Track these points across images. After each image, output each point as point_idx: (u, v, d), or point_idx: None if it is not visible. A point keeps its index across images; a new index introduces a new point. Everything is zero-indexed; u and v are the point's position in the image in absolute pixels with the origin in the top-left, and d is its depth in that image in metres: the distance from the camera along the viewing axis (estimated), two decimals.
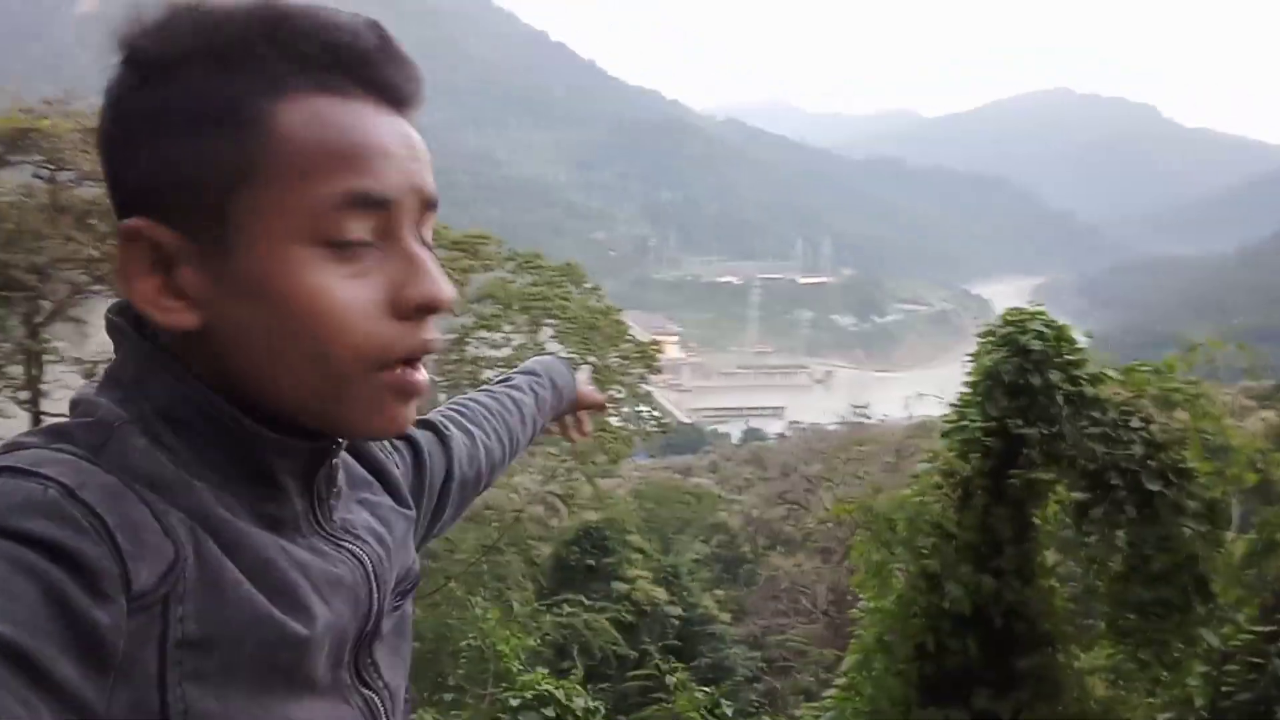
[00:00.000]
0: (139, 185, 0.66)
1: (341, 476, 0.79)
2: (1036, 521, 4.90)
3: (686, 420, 66.76)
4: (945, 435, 4.99)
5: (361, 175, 0.65)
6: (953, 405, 5.07)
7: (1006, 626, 4.79)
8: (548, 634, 9.42)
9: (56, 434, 0.63)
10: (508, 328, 13.85)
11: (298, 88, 0.64)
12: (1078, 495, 4.72)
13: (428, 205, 0.70)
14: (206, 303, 0.65)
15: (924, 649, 4.82)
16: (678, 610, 14.24)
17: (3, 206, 8.35)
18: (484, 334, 13.74)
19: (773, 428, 61.35)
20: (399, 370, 0.68)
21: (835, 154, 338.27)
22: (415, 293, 0.66)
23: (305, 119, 0.64)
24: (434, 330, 0.69)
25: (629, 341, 14.81)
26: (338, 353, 0.65)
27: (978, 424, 4.76)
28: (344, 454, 0.82)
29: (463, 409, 1.13)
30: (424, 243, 0.70)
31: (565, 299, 14.18)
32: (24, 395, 8.83)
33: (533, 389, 1.27)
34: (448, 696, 7.16)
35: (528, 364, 1.33)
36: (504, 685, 6.63)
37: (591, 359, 14.16)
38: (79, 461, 0.60)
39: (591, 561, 13.83)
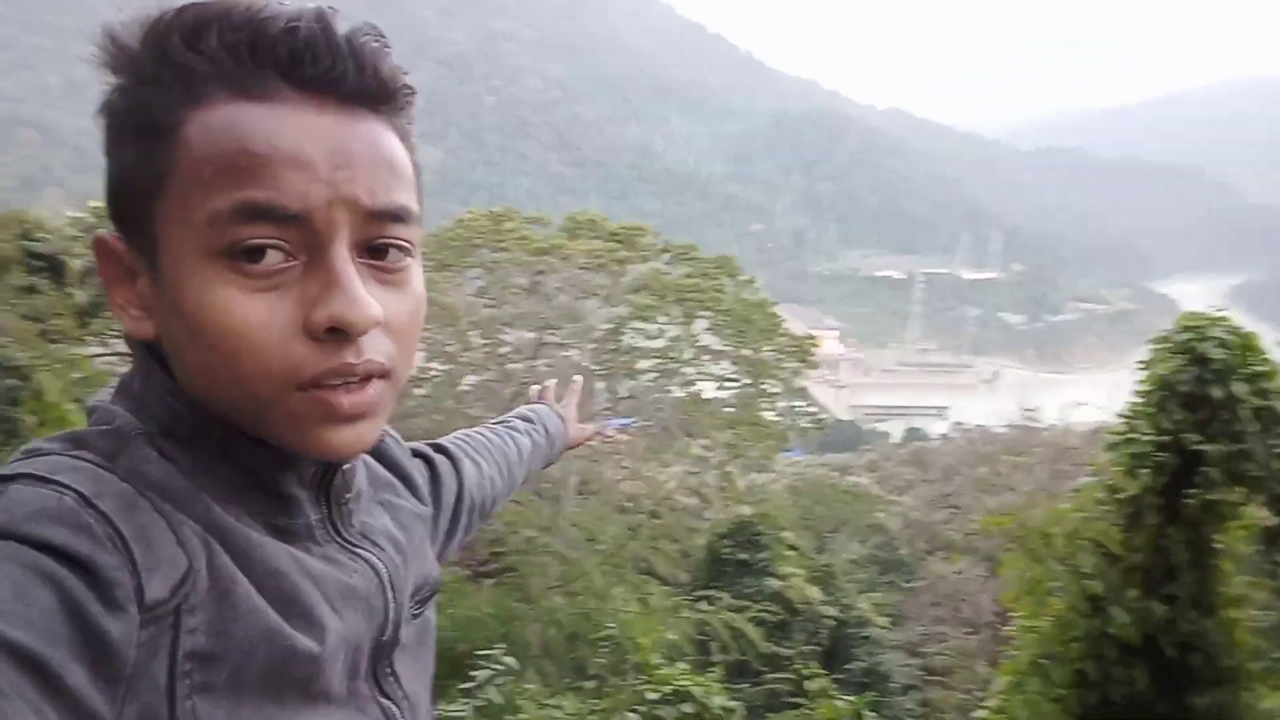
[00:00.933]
0: (105, 197, 0.67)
1: (362, 478, 0.78)
2: (1218, 546, 4.50)
3: (844, 417, 65.46)
4: (1111, 448, 4.64)
5: (258, 186, 0.61)
6: (1120, 416, 4.71)
7: (1181, 659, 4.42)
8: (687, 631, 9.40)
9: (74, 441, 0.64)
10: (662, 319, 13.98)
11: (215, 94, 0.62)
12: (1268, 521, 4.31)
13: (382, 216, 0.65)
14: (156, 313, 0.65)
15: (1085, 677, 4.52)
16: (832, 611, 13.97)
17: None
18: (639, 324, 13.92)
19: (935, 428, 59.12)
20: (318, 392, 0.63)
21: (1006, 144, 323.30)
22: (323, 313, 0.62)
23: (213, 126, 0.61)
24: (360, 353, 0.63)
25: (784, 335, 14.65)
26: (245, 370, 0.62)
27: (1149, 438, 4.40)
28: (366, 456, 0.82)
29: (468, 440, 1.14)
30: (377, 254, 0.66)
31: (720, 291, 14.16)
32: None
33: (529, 434, 1.29)
34: (588, 684, 7.25)
35: (521, 410, 1.36)
36: (643, 678, 6.64)
37: (748, 351, 14.08)
38: (96, 470, 0.60)
39: (744, 556, 13.74)
